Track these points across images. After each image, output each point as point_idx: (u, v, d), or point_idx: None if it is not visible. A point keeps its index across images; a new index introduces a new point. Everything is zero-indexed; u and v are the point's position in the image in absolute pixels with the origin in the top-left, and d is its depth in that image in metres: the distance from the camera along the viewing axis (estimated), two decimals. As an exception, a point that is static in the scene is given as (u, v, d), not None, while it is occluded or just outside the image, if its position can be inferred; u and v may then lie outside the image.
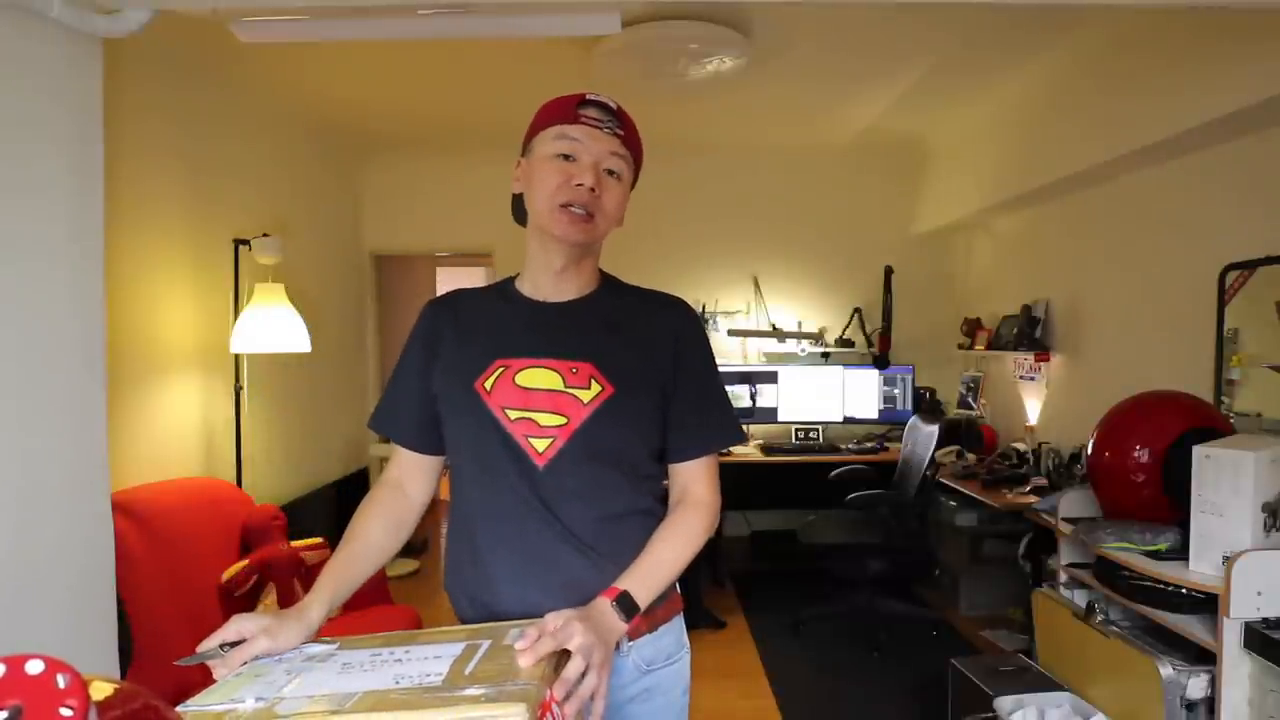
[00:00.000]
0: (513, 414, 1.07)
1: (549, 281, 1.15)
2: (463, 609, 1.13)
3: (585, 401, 1.08)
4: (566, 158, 1.08)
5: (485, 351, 1.12)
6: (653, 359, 1.13)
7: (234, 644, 0.92)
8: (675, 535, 1.09)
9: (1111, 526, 2.08)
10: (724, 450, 1.23)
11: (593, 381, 1.09)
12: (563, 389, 1.08)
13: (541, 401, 1.07)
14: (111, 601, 1.86)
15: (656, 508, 1.13)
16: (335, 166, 4.39)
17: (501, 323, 1.15)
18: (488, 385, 1.09)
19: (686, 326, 1.18)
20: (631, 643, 1.08)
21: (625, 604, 1.00)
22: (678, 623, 1.17)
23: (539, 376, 1.09)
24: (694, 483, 1.15)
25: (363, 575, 1.11)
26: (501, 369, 1.09)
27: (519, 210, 1.18)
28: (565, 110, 1.09)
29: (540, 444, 1.06)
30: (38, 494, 1.66)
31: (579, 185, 1.07)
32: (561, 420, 1.07)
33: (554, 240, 1.11)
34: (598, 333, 1.13)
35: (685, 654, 1.17)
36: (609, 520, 1.07)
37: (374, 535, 1.14)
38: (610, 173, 1.10)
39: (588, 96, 1.10)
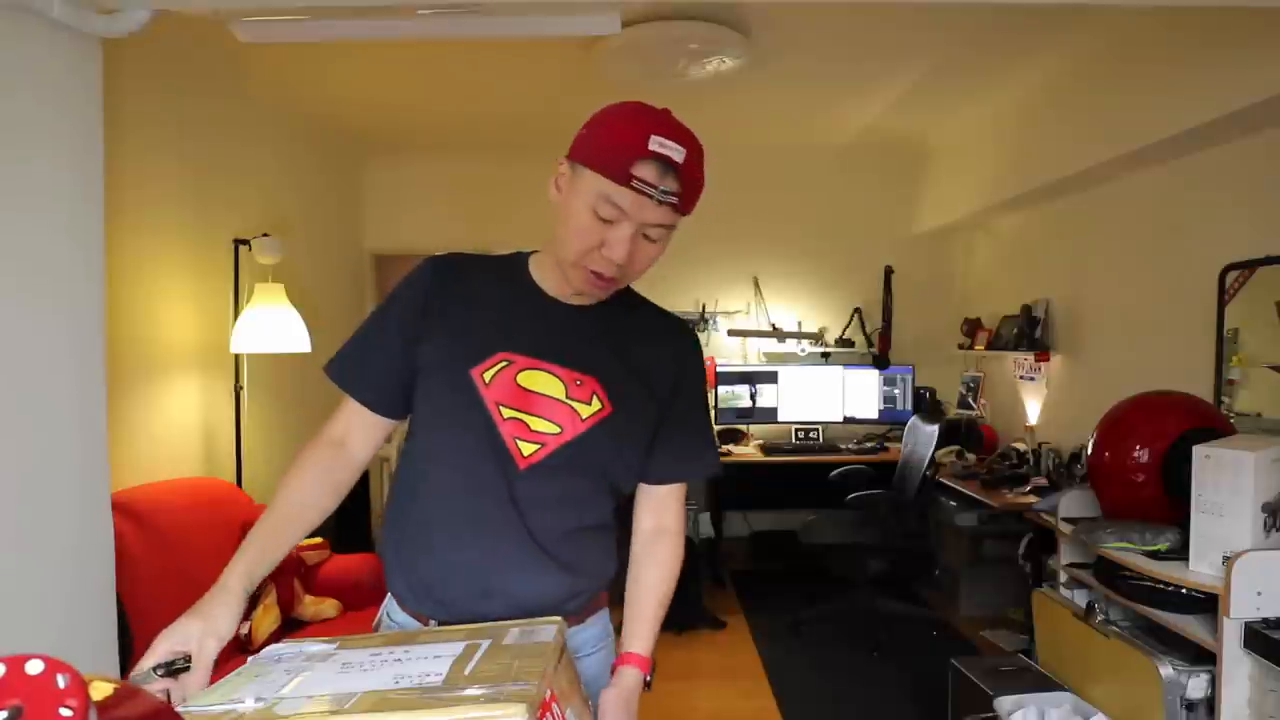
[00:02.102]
0: (506, 412, 1.03)
1: (566, 287, 1.09)
2: (400, 591, 1.12)
3: (584, 416, 1.05)
4: (606, 220, 0.97)
5: (489, 339, 1.06)
6: (652, 387, 1.11)
7: (167, 664, 0.89)
8: (667, 581, 1.13)
9: (1111, 526, 2.08)
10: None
11: (594, 398, 1.06)
12: (564, 399, 1.05)
13: (540, 407, 1.04)
14: (111, 601, 1.86)
15: (612, 522, 1.13)
16: (335, 166, 4.39)
17: (509, 311, 1.09)
18: (486, 377, 1.04)
19: (690, 357, 1.17)
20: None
21: (650, 677, 1.07)
22: (604, 614, 1.18)
23: (542, 381, 1.05)
24: (667, 510, 1.17)
25: (292, 541, 1.10)
26: (504, 363, 1.04)
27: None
28: (618, 166, 0.94)
29: (527, 448, 1.03)
30: (38, 494, 1.65)
31: (609, 256, 0.98)
32: (555, 429, 1.04)
33: (572, 283, 1.07)
34: (606, 347, 1.09)
35: (610, 641, 1.17)
36: (575, 532, 1.07)
37: (310, 497, 1.09)
38: (648, 237, 1.00)
39: (650, 147, 0.93)
